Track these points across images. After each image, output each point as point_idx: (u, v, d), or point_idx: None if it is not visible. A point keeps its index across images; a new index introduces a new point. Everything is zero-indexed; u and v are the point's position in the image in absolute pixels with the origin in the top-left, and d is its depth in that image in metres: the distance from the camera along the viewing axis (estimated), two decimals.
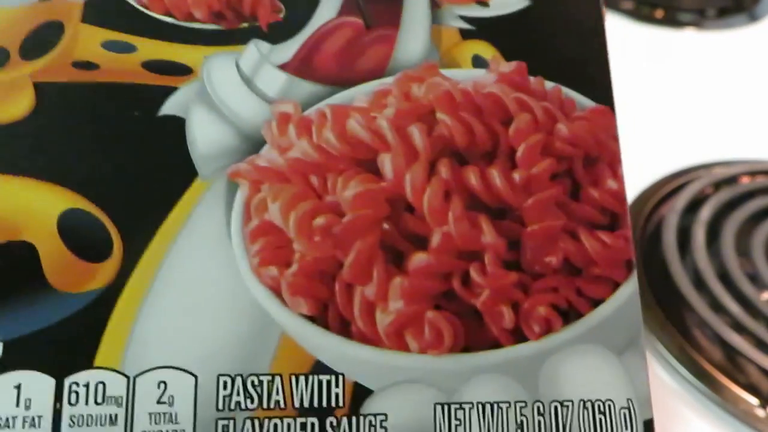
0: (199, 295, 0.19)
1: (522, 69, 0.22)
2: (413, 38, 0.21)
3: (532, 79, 0.22)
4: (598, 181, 0.21)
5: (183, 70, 0.21)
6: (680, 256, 0.46)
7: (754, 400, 0.39)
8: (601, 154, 0.22)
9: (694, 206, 0.50)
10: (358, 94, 0.21)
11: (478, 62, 0.22)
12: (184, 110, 0.21)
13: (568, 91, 0.22)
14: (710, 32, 0.78)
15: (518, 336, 0.20)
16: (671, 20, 0.80)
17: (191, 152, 0.21)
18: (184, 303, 0.19)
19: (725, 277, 0.45)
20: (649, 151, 0.58)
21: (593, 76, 0.22)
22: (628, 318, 0.21)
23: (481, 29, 0.22)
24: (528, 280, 0.20)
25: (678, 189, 0.52)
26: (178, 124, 0.21)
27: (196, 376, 0.19)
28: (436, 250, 0.20)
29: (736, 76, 0.70)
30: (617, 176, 0.22)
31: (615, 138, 0.22)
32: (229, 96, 0.21)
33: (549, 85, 0.22)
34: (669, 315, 0.43)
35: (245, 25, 0.22)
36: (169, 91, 0.21)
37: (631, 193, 0.52)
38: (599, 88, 0.22)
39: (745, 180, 0.53)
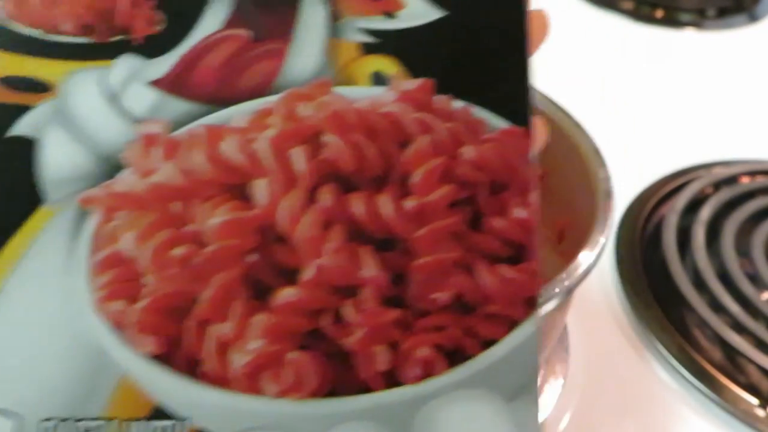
0: (31, 331, 0.18)
1: (427, 87, 0.19)
2: (305, 53, 0.19)
3: (437, 97, 0.19)
4: (505, 209, 0.19)
5: (41, 87, 0.19)
6: (680, 256, 0.44)
7: (754, 400, 0.38)
8: (511, 179, 0.19)
9: (694, 206, 0.48)
10: (238, 113, 0.19)
11: (378, 79, 0.19)
12: (39, 131, 0.19)
13: (479, 111, 0.19)
14: (710, 32, 0.77)
15: (393, 380, 0.18)
16: (671, 20, 0.79)
17: (41, 176, 0.19)
18: (13, 339, 0.18)
19: (725, 277, 0.43)
20: (649, 151, 0.58)
21: (509, 95, 0.19)
22: (522, 361, 0.18)
23: (386, 43, 0.19)
24: (411, 319, 0.18)
25: (678, 189, 0.50)
26: (28, 146, 0.19)
27: (17, 420, 0.17)
28: (306, 285, 0.18)
29: (736, 76, 0.69)
30: (527, 204, 0.19)
31: (528, 162, 0.19)
32: (89, 115, 0.19)
33: (458, 104, 0.19)
34: (669, 315, 0.42)
35: (118, 38, 0.20)
36: (24, 109, 0.19)
37: (631, 193, 0.52)
38: (515, 107, 0.19)
39: (745, 180, 0.51)
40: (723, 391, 0.38)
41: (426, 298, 0.18)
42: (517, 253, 0.19)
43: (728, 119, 0.61)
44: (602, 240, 0.31)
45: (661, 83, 0.65)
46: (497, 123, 0.19)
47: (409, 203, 0.18)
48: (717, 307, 0.42)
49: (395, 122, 0.19)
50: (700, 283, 0.43)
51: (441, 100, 0.19)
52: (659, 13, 0.78)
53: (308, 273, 0.18)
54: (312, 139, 0.19)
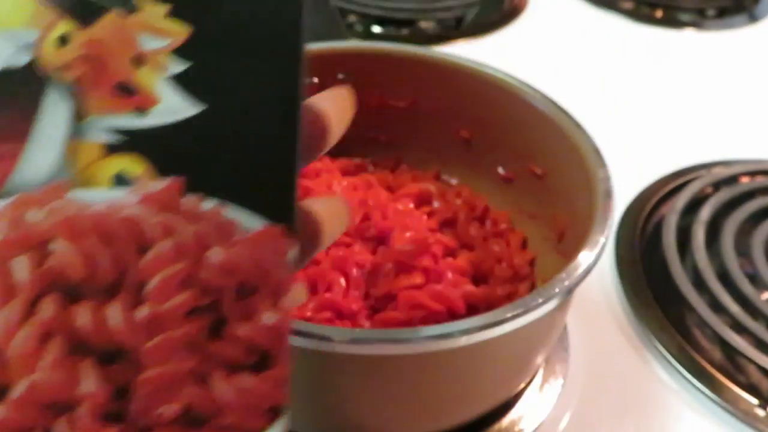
0: None
1: (174, 187, 0.18)
2: (41, 155, 0.18)
3: (186, 198, 0.18)
4: (252, 314, 0.18)
5: None
6: (680, 256, 0.44)
7: (754, 400, 0.37)
8: (262, 283, 0.18)
9: (694, 206, 0.48)
10: None
11: (121, 181, 0.18)
12: None
13: (233, 211, 0.18)
14: (710, 32, 0.77)
15: None
16: (671, 20, 0.79)
17: None
18: None
19: (725, 277, 0.43)
20: (649, 151, 0.57)
21: (268, 193, 0.18)
22: None
23: (134, 142, 0.18)
24: None
25: (678, 189, 0.50)
26: None
27: None
28: (15, 402, 0.16)
29: (736, 76, 0.67)
30: (277, 308, 0.18)
31: (283, 264, 0.18)
32: None
33: (209, 204, 0.18)
34: (669, 315, 0.42)
35: None
36: None
37: (631, 193, 0.51)
38: (276, 205, 0.18)
39: (745, 180, 0.51)
40: (723, 391, 0.38)
41: (151, 412, 0.17)
42: (262, 360, 0.18)
43: (728, 119, 0.61)
44: (602, 240, 0.31)
45: (661, 83, 0.65)
46: (252, 223, 0.18)
47: (141, 312, 0.17)
48: (717, 307, 0.42)
49: (135, 226, 0.18)
50: (700, 283, 0.43)
51: (190, 201, 0.18)
52: (659, 13, 0.78)
53: (18, 390, 0.17)
54: (39, 247, 0.17)
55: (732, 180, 0.51)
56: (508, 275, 0.39)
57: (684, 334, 0.41)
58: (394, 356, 0.29)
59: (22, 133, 0.18)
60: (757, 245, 0.46)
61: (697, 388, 0.39)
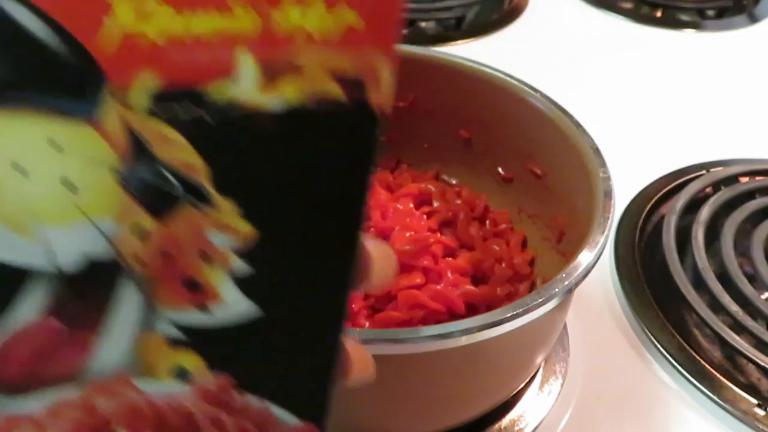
0: None
1: (227, 385, 0.19)
2: (112, 344, 0.19)
3: (236, 395, 0.19)
4: None
5: None
6: (680, 256, 0.44)
7: (753, 400, 0.37)
8: None
9: (693, 206, 0.48)
10: (37, 404, 0.18)
11: (181, 375, 0.19)
12: None
13: (276, 409, 0.20)
14: (710, 32, 0.78)
15: None
16: (671, 20, 0.79)
17: None
18: None
19: (725, 277, 0.43)
20: (649, 150, 0.57)
21: (308, 397, 0.20)
22: None
23: (193, 338, 0.19)
24: None
25: (678, 189, 0.50)
26: None
27: None
28: None
29: (736, 76, 0.68)
30: None
31: None
32: None
33: (256, 402, 0.19)
34: (669, 315, 0.42)
35: None
36: None
37: (631, 192, 0.51)
38: (310, 405, 0.19)
39: (745, 180, 0.51)
40: (722, 391, 0.38)
41: None
42: None
43: (727, 119, 0.61)
44: (602, 240, 0.31)
45: (661, 83, 0.65)
46: (291, 420, 0.20)
47: None
48: (716, 307, 0.42)
49: (190, 419, 0.19)
50: (699, 283, 0.43)
51: (239, 398, 0.19)
52: (659, 13, 0.78)
53: None
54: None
55: (731, 180, 0.51)
56: (508, 275, 0.39)
57: (684, 334, 0.41)
58: (393, 356, 0.29)
59: (95, 323, 0.18)
60: (757, 245, 0.46)
61: (697, 388, 0.39)
